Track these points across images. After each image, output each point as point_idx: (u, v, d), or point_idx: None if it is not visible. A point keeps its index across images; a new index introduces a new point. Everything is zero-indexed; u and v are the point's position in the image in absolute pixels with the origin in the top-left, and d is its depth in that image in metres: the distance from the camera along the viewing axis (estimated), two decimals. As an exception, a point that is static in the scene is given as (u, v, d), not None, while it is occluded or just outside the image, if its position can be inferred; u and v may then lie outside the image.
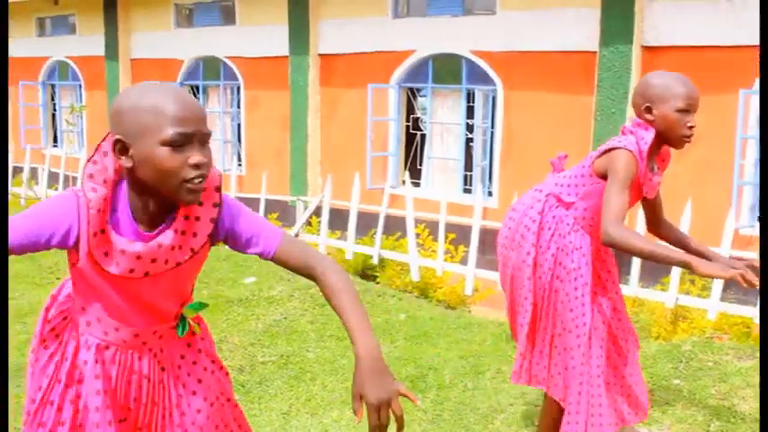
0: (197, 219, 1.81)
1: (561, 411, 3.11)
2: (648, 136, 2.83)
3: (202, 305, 2.03)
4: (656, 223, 3.14)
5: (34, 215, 1.68)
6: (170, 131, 1.64)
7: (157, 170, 1.66)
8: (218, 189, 1.84)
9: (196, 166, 1.67)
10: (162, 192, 1.71)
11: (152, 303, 1.89)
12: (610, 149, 2.83)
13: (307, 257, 1.89)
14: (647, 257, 2.66)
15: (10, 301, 5.87)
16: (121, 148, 1.69)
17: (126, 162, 1.69)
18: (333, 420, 3.82)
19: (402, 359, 4.59)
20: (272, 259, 1.90)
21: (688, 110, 2.82)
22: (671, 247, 2.80)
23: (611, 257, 3.11)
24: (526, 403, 3.98)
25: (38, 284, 6.45)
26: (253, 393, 4.19)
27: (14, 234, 1.65)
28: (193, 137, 1.67)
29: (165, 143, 1.65)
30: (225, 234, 1.88)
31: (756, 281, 2.58)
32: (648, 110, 2.86)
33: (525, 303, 3.03)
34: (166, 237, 1.78)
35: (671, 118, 2.81)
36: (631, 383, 3.10)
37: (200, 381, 2.02)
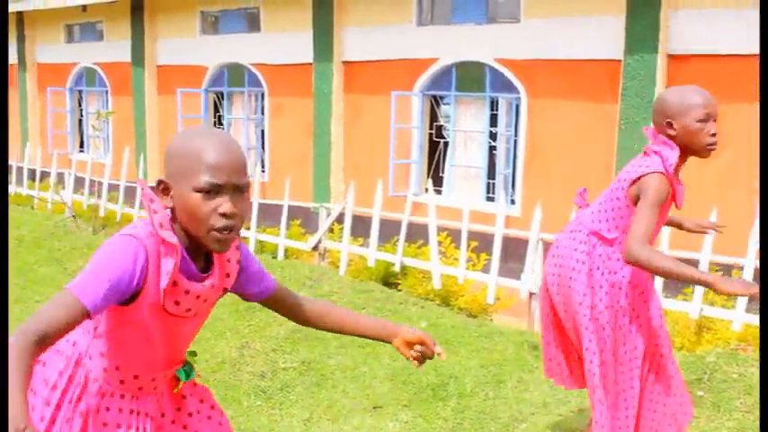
0: (228, 260, 1.89)
1: None
2: (673, 156, 2.85)
3: (194, 353, 2.06)
4: None
5: (105, 270, 1.65)
6: (202, 179, 1.67)
7: (189, 215, 1.70)
8: (239, 242, 1.91)
9: (224, 215, 1.69)
10: (194, 237, 1.74)
11: (179, 344, 1.91)
12: (641, 176, 2.84)
13: (294, 297, 2.06)
14: (669, 277, 2.71)
15: (35, 305, 5.94)
16: (164, 188, 1.74)
17: (167, 202, 1.73)
18: (353, 428, 3.82)
19: (423, 367, 4.59)
20: (269, 297, 2.02)
21: (707, 119, 2.84)
22: (692, 268, 2.76)
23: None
24: (548, 413, 3.95)
25: (62, 288, 6.53)
26: (274, 399, 4.20)
27: (93, 297, 1.62)
28: (225, 187, 1.69)
29: (197, 190, 1.68)
30: (242, 278, 1.97)
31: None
32: (670, 125, 2.87)
33: (591, 346, 2.96)
34: (214, 277, 1.85)
35: (692, 129, 2.84)
36: (672, 385, 3.11)
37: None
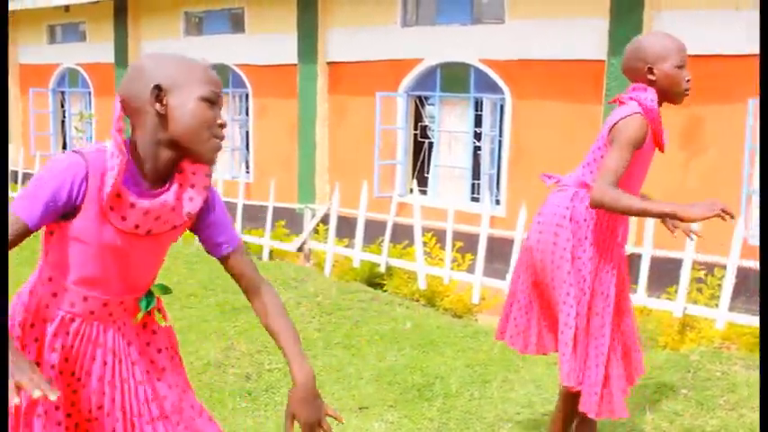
0: (193, 186, 1.85)
1: (576, 402, 3.10)
2: (651, 94, 2.91)
3: (167, 289, 2.08)
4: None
5: (42, 185, 1.71)
6: (209, 89, 1.78)
7: (192, 120, 1.76)
8: (210, 172, 1.91)
9: (221, 126, 1.80)
10: (187, 144, 1.78)
11: (133, 268, 1.88)
12: (617, 122, 2.89)
13: (255, 271, 1.97)
14: (632, 214, 2.82)
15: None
16: (158, 94, 1.77)
17: (160, 109, 1.77)
18: (340, 429, 3.81)
19: (408, 367, 4.59)
20: (228, 257, 1.94)
21: (683, 65, 2.92)
22: (654, 203, 2.86)
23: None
24: (533, 413, 3.97)
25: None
26: (259, 401, 4.19)
27: (30, 212, 1.70)
28: (220, 100, 1.81)
29: (203, 98, 1.77)
30: (208, 217, 1.92)
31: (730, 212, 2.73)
32: (650, 70, 2.93)
33: (568, 300, 2.97)
34: (170, 195, 1.82)
35: (671, 74, 2.91)
36: (630, 345, 3.18)
37: (163, 369, 2.01)
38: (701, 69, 7.32)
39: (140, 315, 1.97)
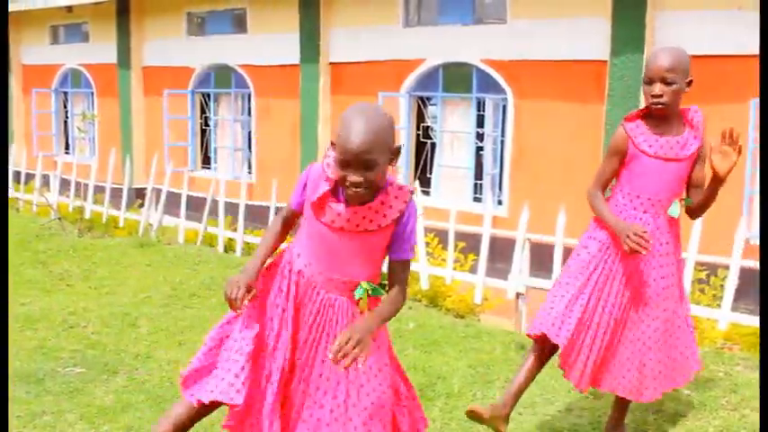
0: (390, 206, 2.48)
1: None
2: (635, 111, 3.25)
3: (377, 290, 2.61)
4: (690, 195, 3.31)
5: (296, 185, 2.61)
6: (339, 156, 2.37)
7: (336, 176, 2.42)
8: (411, 195, 2.52)
9: (352, 184, 2.38)
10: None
11: (337, 256, 2.53)
12: None
13: (399, 282, 2.58)
14: (600, 218, 3.24)
15: (21, 308, 5.89)
16: (333, 147, 2.44)
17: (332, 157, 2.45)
18: (341, 429, 3.81)
19: (411, 368, 4.59)
20: (390, 262, 2.60)
21: (649, 82, 3.12)
22: (613, 217, 3.19)
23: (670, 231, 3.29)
24: (535, 413, 3.96)
25: (48, 291, 6.48)
26: (261, 401, 4.19)
27: (293, 199, 2.63)
28: (351, 163, 2.35)
29: (336, 161, 2.39)
30: (399, 232, 2.53)
31: (642, 246, 3.01)
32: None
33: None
34: (363, 209, 2.47)
35: (644, 90, 3.17)
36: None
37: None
38: (703, 69, 7.31)
39: (363, 304, 2.58)
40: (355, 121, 2.35)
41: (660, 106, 3.10)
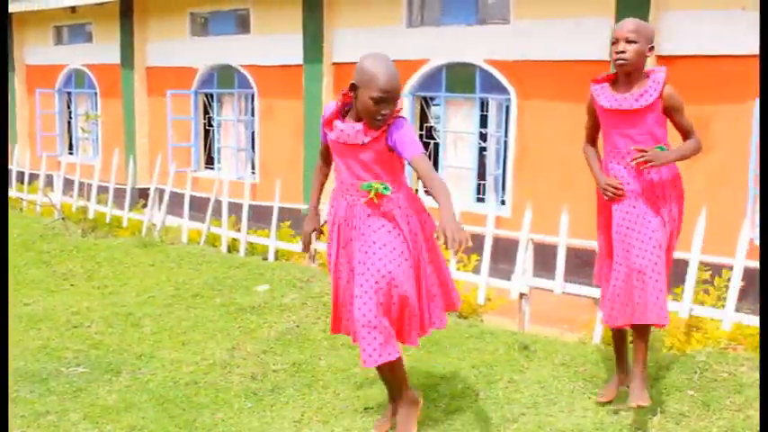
0: (381, 127, 3.22)
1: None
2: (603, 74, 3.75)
3: (387, 187, 3.29)
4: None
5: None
6: (375, 93, 3.13)
7: (363, 109, 3.20)
8: (396, 115, 3.23)
9: (382, 115, 3.17)
10: (363, 114, 3.23)
11: (352, 167, 3.33)
12: None
13: (426, 170, 3.14)
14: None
15: (25, 308, 5.90)
16: (352, 87, 3.23)
17: (353, 96, 3.26)
18: (344, 429, 3.81)
19: (414, 368, 4.59)
20: (409, 162, 3.18)
21: (615, 41, 3.57)
22: (597, 171, 3.79)
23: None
24: (538, 413, 3.96)
25: (52, 291, 6.49)
26: (265, 401, 4.19)
27: (321, 136, 3.49)
28: (385, 99, 3.14)
29: (370, 98, 3.15)
30: (390, 141, 3.21)
31: (616, 195, 3.62)
32: None
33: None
34: (358, 125, 3.25)
35: (610, 50, 3.63)
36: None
37: (375, 231, 3.33)
38: (707, 69, 7.31)
39: (370, 195, 3.29)
40: (383, 66, 3.16)
41: (622, 62, 3.53)
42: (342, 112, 3.35)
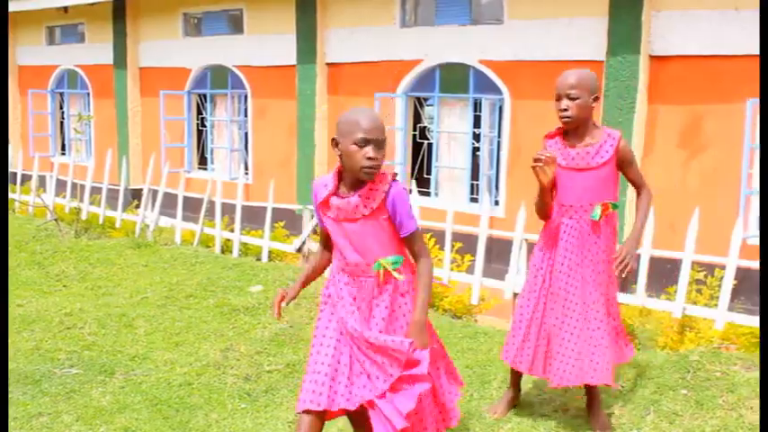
0: (376, 190, 2.95)
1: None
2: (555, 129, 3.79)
3: (396, 262, 3.01)
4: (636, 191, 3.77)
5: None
6: (358, 135, 2.86)
7: (349, 158, 2.90)
8: (394, 179, 2.98)
9: (369, 159, 2.87)
10: (351, 171, 2.93)
11: (355, 243, 3.00)
12: None
13: (420, 250, 3.03)
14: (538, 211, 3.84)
15: (18, 309, 5.88)
16: (334, 143, 2.95)
17: (336, 152, 2.94)
18: (338, 430, 3.81)
19: (408, 368, 4.58)
20: (404, 239, 3.00)
21: (558, 98, 3.60)
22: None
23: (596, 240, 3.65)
24: (532, 413, 3.97)
25: (45, 292, 6.47)
26: (259, 402, 4.19)
27: (318, 219, 3.13)
28: (371, 141, 2.87)
29: (354, 143, 2.87)
30: (390, 211, 2.96)
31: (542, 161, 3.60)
32: None
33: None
34: (354, 198, 2.96)
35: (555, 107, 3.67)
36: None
37: (383, 318, 3.01)
38: (700, 70, 7.33)
39: (380, 275, 2.99)
40: (363, 112, 2.92)
41: (567, 119, 3.57)
42: (336, 189, 3.02)
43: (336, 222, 3.00)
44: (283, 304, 3.15)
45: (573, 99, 3.54)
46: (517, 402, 4.04)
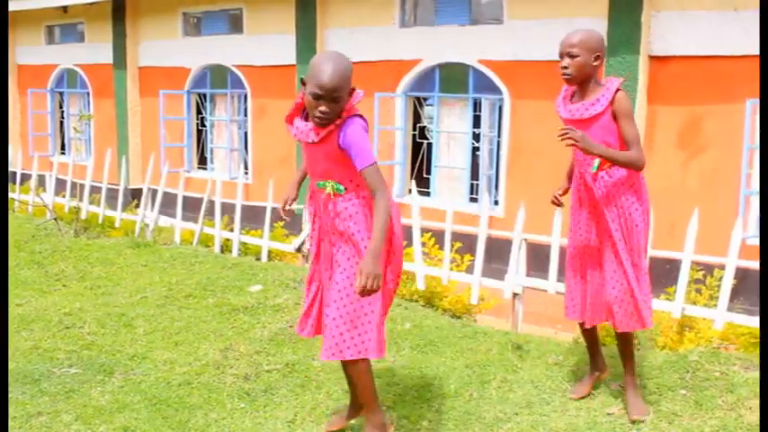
0: (333, 122, 3.14)
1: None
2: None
3: (338, 188, 3.25)
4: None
5: None
6: (312, 89, 3.05)
7: (306, 104, 3.15)
8: (352, 115, 3.15)
9: (321, 112, 3.09)
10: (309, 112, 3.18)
11: (313, 164, 3.31)
12: None
13: (373, 183, 3.13)
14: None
15: (17, 308, 5.88)
16: (303, 82, 3.16)
17: (302, 92, 3.18)
18: (338, 429, 3.81)
19: (407, 368, 4.59)
20: (360, 172, 3.14)
21: (560, 56, 3.68)
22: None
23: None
24: (531, 413, 3.97)
25: (44, 291, 6.47)
26: (258, 402, 4.19)
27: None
28: (323, 97, 3.05)
29: (310, 93, 3.08)
30: (342, 144, 3.13)
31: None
32: None
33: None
34: (308, 124, 3.24)
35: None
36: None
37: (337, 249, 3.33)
38: (700, 70, 7.33)
39: (326, 192, 3.28)
40: (326, 64, 3.04)
41: (566, 76, 3.68)
42: (302, 109, 3.32)
43: (298, 140, 3.30)
44: (288, 206, 3.64)
45: (573, 57, 3.62)
46: (602, 380, 4.19)
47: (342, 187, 3.25)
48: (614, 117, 3.65)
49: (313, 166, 3.31)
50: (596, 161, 3.71)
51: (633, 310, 3.70)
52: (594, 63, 3.64)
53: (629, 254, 3.71)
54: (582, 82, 3.70)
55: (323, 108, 3.06)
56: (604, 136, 3.65)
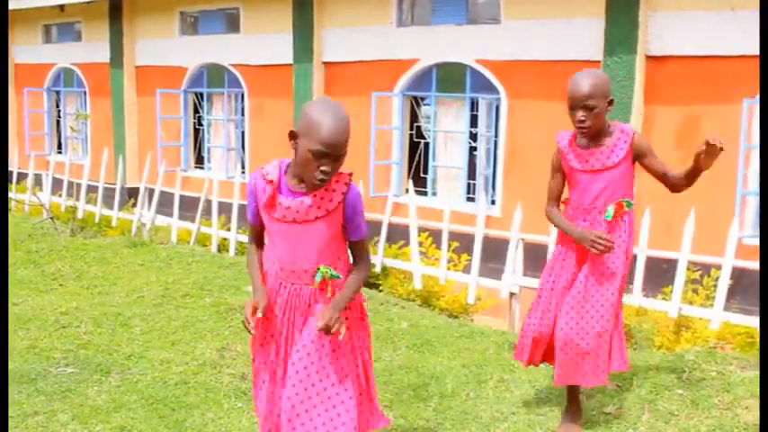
0: (334, 191, 2.73)
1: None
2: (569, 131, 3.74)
3: (334, 274, 2.79)
4: (665, 180, 3.62)
5: (248, 201, 2.89)
6: (314, 146, 2.59)
7: (301, 164, 2.67)
8: (349, 182, 2.74)
9: (323, 172, 2.63)
10: (303, 174, 2.69)
11: (295, 247, 2.76)
12: None
13: (359, 257, 2.88)
14: (561, 229, 3.69)
15: (13, 308, 5.88)
16: (292, 136, 2.72)
17: (293, 146, 2.71)
18: None
19: (404, 368, 4.59)
20: (350, 243, 2.85)
21: (572, 108, 3.47)
22: (573, 227, 3.61)
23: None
24: (528, 412, 3.97)
25: (41, 291, 6.46)
26: (255, 401, 4.18)
27: (250, 214, 2.89)
28: (329, 156, 2.60)
29: (311, 151, 2.60)
30: (347, 214, 2.76)
31: (607, 246, 3.42)
32: None
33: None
34: (309, 198, 2.72)
35: (569, 114, 3.54)
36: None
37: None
38: (696, 70, 7.34)
39: (315, 283, 2.78)
40: (330, 118, 2.60)
41: (585, 130, 3.48)
42: (279, 185, 2.81)
43: (281, 222, 2.74)
44: (259, 314, 2.75)
45: (590, 109, 3.42)
46: (580, 417, 3.82)
47: (337, 273, 2.81)
48: (636, 159, 3.58)
49: (294, 251, 2.78)
50: (610, 208, 3.56)
51: (618, 352, 3.63)
52: (609, 108, 3.49)
53: (620, 292, 3.66)
54: (597, 131, 3.54)
55: (325, 168, 2.61)
56: (621, 181, 3.58)
